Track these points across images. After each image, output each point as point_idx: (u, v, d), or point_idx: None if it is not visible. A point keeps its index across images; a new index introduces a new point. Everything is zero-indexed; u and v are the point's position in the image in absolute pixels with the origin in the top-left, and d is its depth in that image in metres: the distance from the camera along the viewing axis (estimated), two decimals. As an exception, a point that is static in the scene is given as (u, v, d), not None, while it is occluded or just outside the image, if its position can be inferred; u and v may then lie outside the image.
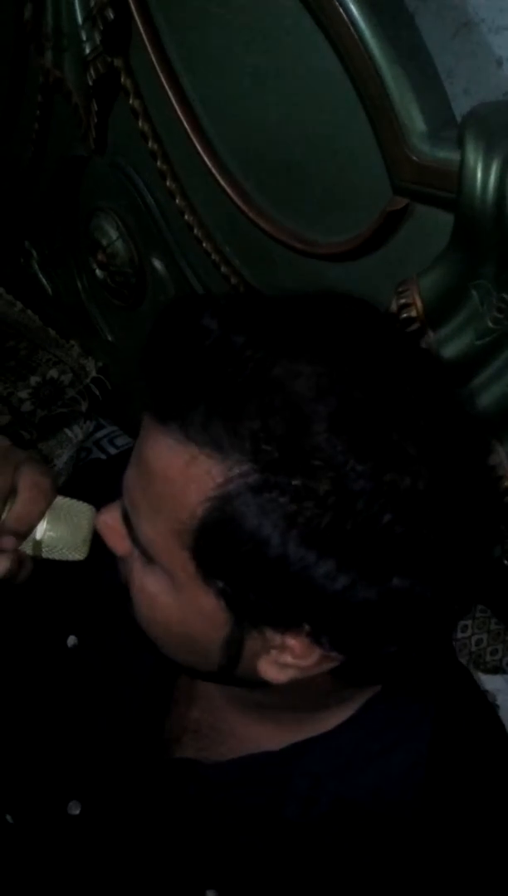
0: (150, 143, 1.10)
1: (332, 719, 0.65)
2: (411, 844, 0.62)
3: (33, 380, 1.50)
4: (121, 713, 0.71)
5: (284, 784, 0.65)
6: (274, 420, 0.49)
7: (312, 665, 0.55)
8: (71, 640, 0.75)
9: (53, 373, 1.50)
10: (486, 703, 0.72)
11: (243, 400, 0.50)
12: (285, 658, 0.55)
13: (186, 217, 1.12)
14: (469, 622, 1.13)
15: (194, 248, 1.15)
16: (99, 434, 1.48)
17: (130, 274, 1.31)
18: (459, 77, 0.79)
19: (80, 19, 1.06)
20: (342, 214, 0.93)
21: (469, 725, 0.67)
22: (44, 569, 0.68)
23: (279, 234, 1.00)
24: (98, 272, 1.37)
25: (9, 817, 0.74)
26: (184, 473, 0.51)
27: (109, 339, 1.50)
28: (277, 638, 0.54)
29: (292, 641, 0.54)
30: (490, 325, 0.79)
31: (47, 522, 0.65)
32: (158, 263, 1.25)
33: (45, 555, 0.66)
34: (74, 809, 0.71)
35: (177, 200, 1.12)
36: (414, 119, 0.77)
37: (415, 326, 0.84)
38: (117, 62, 1.06)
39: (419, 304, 0.83)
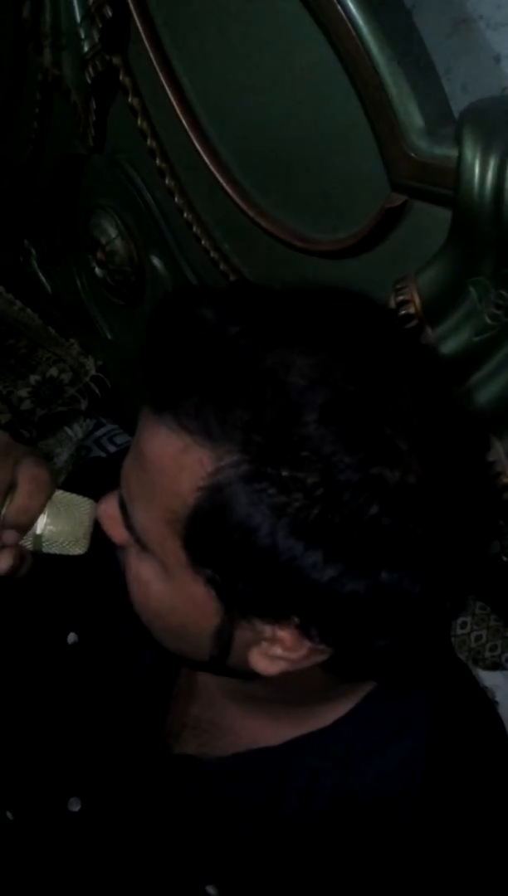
0: (149, 141, 1.10)
1: (330, 714, 0.65)
2: (409, 839, 0.62)
3: (33, 378, 1.50)
4: (121, 709, 0.71)
5: (283, 779, 0.65)
6: (265, 410, 0.49)
7: (302, 657, 0.55)
8: (71, 637, 0.75)
9: (53, 371, 1.50)
10: (484, 699, 0.72)
11: (236, 389, 0.50)
12: (276, 650, 0.55)
13: (185, 215, 1.12)
14: (468, 618, 1.13)
15: (192, 246, 1.15)
16: (99, 432, 1.49)
17: (130, 272, 1.31)
18: (457, 74, 0.79)
19: (78, 17, 1.07)
20: (341, 212, 0.93)
21: (467, 720, 0.67)
22: (44, 565, 0.68)
23: (278, 231, 1.00)
24: (97, 270, 1.37)
25: (9, 814, 0.74)
26: (177, 462, 0.52)
27: (109, 337, 1.49)
28: (267, 629, 0.54)
29: (281, 633, 0.54)
30: (488, 321, 0.80)
31: (47, 517, 0.66)
32: (157, 261, 1.25)
33: (45, 549, 0.67)
34: (75, 806, 0.71)
35: (176, 198, 1.12)
36: (412, 116, 0.77)
37: (413, 323, 0.84)
38: (116, 60, 1.06)
39: (417, 300, 0.83)
